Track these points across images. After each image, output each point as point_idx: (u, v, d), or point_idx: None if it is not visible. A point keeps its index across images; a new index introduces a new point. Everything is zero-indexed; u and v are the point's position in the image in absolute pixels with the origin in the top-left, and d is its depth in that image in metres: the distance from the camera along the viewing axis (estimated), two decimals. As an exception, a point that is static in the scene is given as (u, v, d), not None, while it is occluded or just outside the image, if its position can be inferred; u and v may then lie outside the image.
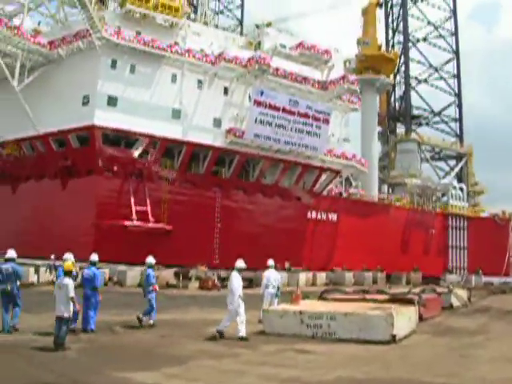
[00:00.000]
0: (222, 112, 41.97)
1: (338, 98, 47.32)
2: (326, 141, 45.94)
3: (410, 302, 16.66)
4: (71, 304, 11.94)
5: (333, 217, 49.97)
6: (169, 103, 39.67)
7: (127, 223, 37.10)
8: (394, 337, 13.31)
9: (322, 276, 44.04)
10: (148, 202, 38.60)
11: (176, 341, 13.59)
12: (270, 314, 14.83)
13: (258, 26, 53.70)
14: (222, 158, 43.17)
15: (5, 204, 44.37)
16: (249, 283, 32.47)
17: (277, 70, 43.01)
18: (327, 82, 45.97)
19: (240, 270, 13.76)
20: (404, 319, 14.58)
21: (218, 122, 41.74)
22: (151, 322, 15.49)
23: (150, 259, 15.96)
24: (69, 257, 13.57)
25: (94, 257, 15.32)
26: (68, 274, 12.52)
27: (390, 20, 78.15)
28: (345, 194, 53.03)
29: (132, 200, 38.04)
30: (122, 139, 38.96)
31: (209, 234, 41.43)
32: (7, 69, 37.87)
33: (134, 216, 37.59)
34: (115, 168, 38.16)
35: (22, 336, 13.25)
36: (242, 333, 13.30)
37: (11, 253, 14.55)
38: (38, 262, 31.49)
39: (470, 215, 64.01)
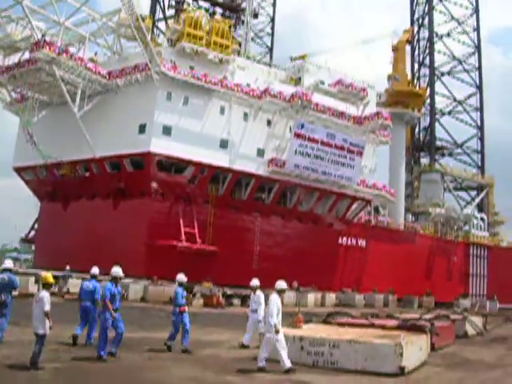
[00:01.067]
0: (265, 142, 44.99)
1: (372, 132, 50.16)
2: (359, 172, 48.82)
3: (421, 329, 15.29)
4: (46, 319, 11.08)
5: (362, 243, 52.68)
6: (217, 133, 42.69)
7: (177, 244, 39.94)
8: (402, 369, 12.24)
9: (331, 297, 43.98)
10: (196, 224, 41.53)
11: (164, 364, 12.43)
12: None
13: (292, 59, 57.13)
14: (262, 185, 46.09)
15: (56, 221, 47.59)
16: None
17: (316, 105, 45.98)
18: (362, 117, 48.91)
19: (280, 292, 12.65)
20: (414, 349, 13.47)
21: (261, 152, 44.74)
22: (184, 346, 14.37)
23: (181, 277, 14.82)
24: (117, 270, 12.96)
25: (95, 270, 15.09)
26: (46, 286, 11.72)
27: (416, 53, 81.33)
28: (373, 222, 55.70)
29: (181, 222, 40.97)
30: (173, 165, 41.97)
31: (248, 255, 44.22)
32: (68, 95, 41.25)
33: (183, 237, 40.47)
34: (166, 192, 41.27)
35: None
36: (288, 363, 12.06)
37: (9, 263, 14.57)
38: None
39: (490, 244, 66.58)
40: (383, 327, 15.65)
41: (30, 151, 46.10)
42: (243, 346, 15.29)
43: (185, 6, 57.69)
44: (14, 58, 45.59)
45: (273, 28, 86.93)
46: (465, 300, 52.68)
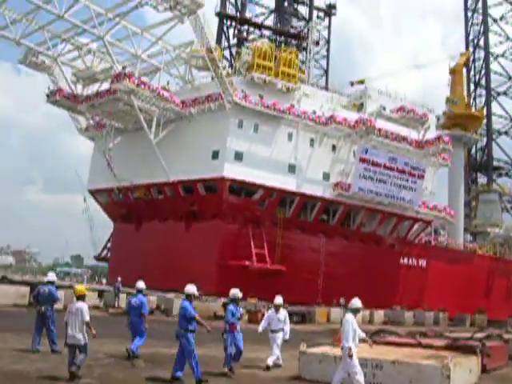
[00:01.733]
0: (330, 167, 46.82)
1: (432, 155, 51.45)
2: (420, 194, 50.12)
3: (471, 350, 14.40)
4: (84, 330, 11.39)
5: (422, 263, 53.81)
6: (285, 158, 44.73)
7: (249, 264, 42.01)
8: None
9: (379, 314, 43.31)
10: (265, 245, 43.54)
11: (188, 382, 11.82)
12: (307, 356, 13.08)
13: (352, 84, 58.99)
14: (327, 207, 47.85)
15: (129, 241, 50.29)
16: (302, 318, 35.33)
17: (379, 130, 47.62)
18: (423, 141, 50.28)
19: (355, 312, 11.43)
20: (463, 371, 12.68)
21: (326, 176, 46.57)
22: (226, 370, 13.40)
23: (234, 291, 13.84)
24: (192, 287, 12.47)
25: (141, 284, 15.16)
26: (81, 298, 11.92)
27: (471, 73, 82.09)
28: (433, 242, 56.74)
29: (252, 244, 43.04)
30: (243, 189, 44.12)
31: (314, 274, 45.94)
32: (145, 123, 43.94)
33: (254, 258, 42.53)
34: (237, 214, 43.45)
35: (38, 363, 12.91)
36: None
37: (51, 276, 15.21)
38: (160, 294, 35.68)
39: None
40: (431, 347, 14.74)
41: (105, 175, 49.13)
42: (268, 368, 14.28)
43: (250, 35, 60.23)
44: (92, 88, 48.98)
45: (328, 50, 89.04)
46: None
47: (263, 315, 33.90)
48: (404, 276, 51.66)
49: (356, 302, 11.53)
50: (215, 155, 43.14)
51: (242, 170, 42.62)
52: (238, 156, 42.88)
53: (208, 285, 37.95)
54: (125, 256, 49.54)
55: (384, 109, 50.05)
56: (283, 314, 14.97)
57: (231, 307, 13.62)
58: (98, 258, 58.54)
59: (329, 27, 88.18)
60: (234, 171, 42.39)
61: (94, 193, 54.77)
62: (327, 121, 46.03)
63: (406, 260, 52.76)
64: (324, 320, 38.09)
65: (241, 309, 13.88)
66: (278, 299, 14.58)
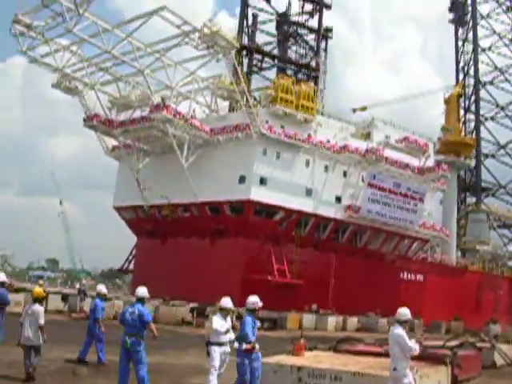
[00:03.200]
0: (341, 191, 51.89)
1: (432, 181, 56.89)
2: (420, 216, 55.52)
3: (441, 360, 13.36)
4: (39, 332, 11.48)
5: (420, 277, 59.12)
6: (303, 183, 49.59)
7: (271, 278, 46.78)
8: None
9: (353, 321, 43.04)
10: (285, 261, 48.39)
11: None
12: (263, 366, 11.32)
13: (354, 111, 64.34)
14: (337, 227, 52.90)
15: (155, 255, 54.64)
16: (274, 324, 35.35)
17: (386, 158, 52.85)
18: (424, 168, 55.71)
19: (403, 323, 9.50)
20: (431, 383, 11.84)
21: (338, 199, 51.62)
22: None
23: (254, 299, 11.19)
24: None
25: (101, 288, 15.41)
26: (38, 300, 11.97)
27: (462, 99, 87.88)
28: (430, 259, 62.12)
29: (273, 259, 47.87)
30: (265, 210, 48.89)
31: (325, 287, 50.76)
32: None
33: (276, 273, 47.36)
34: (260, 233, 48.18)
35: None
36: None
37: (1, 276, 15.26)
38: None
39: (533, 279, 72.48)
40: None
41: (131, 193, 53.63)
42: None
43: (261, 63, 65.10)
44: (125, 114, 53.40)
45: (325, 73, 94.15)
46: (495, 325, 48.35)
47: (232, 322, 33.83)
48: (404, 289, 56.76)
49: (405, 312, 9.62)
50: (242, 179, 47.81)
51: (266, 193, 47.37)
52: (263, 181, 47.65)
53: (233, 297, 42.65)
54: (150, 268, 53.85)
55: (388, 137, 55.35)
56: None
57: (249, 319, 10.81)
58: (121, 270, 62.81)
59: (325, 50, 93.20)
60: (259, 194, 47.12)
61: (119, 209, 59.08)
62: (341, 149, 51.09)
63: (405, 275, 57.97)
64: (296, 326, 37.59)
65: (258, 322, 11.02)
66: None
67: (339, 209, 51.55)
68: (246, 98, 46.88)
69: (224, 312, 11.45)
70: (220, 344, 11.10)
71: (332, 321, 41.12)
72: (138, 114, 51.93)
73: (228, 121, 50.23)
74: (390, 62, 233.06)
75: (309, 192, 49.90)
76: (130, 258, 61.59)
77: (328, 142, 51.34)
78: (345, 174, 52.51)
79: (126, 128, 50.69)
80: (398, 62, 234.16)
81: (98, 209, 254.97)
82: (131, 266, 61.35)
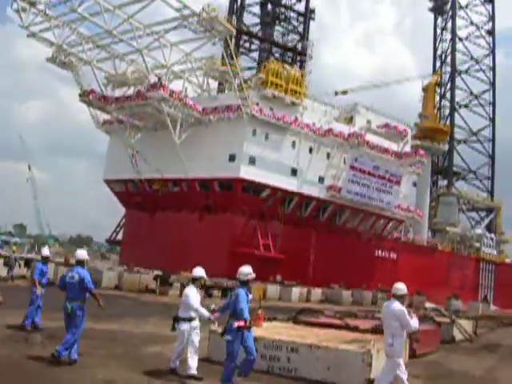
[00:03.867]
0: (324, 171, 54.91)
1: (408, 165, 60.31)
2: (396, 198, 58.96)
3: None
4: None
5: (393, 255, 62.82)
6: (289, 163, 52.43)
7: (257, 252, 49.75)
8: (370, 382, 9.96)
9: (317, 292, 43.49)
10: (270, 236, 51.38)
11: (92, 363, 10.71)
12: (217, 336, 10.69)
13: (336, 93, 67.22)
14: (319, 206, 56.03)
15: (144, 228, 57.07)
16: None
17: (367, 143, 55.98)
18: (402, 152, 59.05)
19: (400, 298, 9.06)
20: None
21: (321, 179, 54.65)
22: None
23: (247, 270, 9.88)
24: (83, 252, 11.16)
25: (43, 250, 15.26)
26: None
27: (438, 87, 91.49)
28: (403, 238, 65.83)
29: (259, 234, 50.82)
30: (252, 187, 51.64)
31: (306, 261, 53.93)
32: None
33: (261, 247, 50.35)
34: (247, 209, 50.99)
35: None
36: None
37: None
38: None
39: (497, 261, 76.99)
40: (356, 329, 13.87)
41: (121, 166, 55.87)
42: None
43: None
44: (119, 91, 55.36)
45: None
46: (457, 301, 50.52)
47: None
48: (378, 266, 60.39)
49: (402, 287, 9.17)
50: (232, 158, 50.42)
51: (254, 171, 50.05)
52: (252, 160, 50.32)
53: (219, 269, 45.39)
54: (138, 240, 56.32)
55: (369, 122, 58.47)
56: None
57: (242, 292, 9.59)
58: (110, 240, 65.19)
59: (308, 31, 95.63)
60: (247, 172, 49.80)
61: (110, 182, 61.28)
62: (325, 133, 54.00)
63: (379, 252, 61.57)
64: (259, 296, 36.22)
65: (251, 295, 9.87)
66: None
67: (322, 188, 54.62)
68: (239, 81, 49.25)
69: (197, 283, 10.69)
70: (190, 319, 10.29)
71: (296, 292, 41.24)
72: (132, 90, 53.92)
73: (219, 101, 52.60)
74: (365, 39, 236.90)
75: (294, 172, 52.78)
76: (118, 229, 63.93)
77: (314, 124, 54.15)
78: (328, 155, 55.46)
79: (121, 104, 52.63)
80: (373, 40, 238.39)
81: (69, 174, 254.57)
82: (119, 237, 63.65)
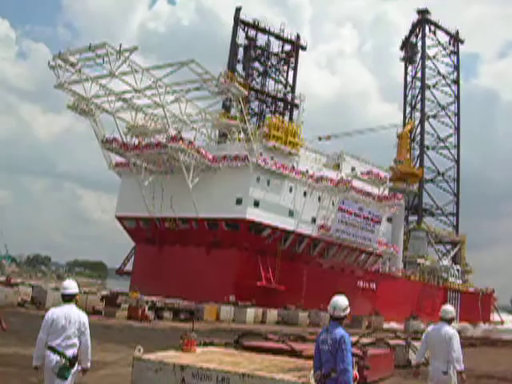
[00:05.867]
0: (316, 212, 62.89)
1: (387, 207, 68.86)
2: (377, 235, 67.31)
3: None
4: None
5: (373, 285, 70.96)
6: (287, 205, 60.25)
7: (260, 283, 57.12)
8: None
9: (273, 313, 42.32)
10: (270, 269, 58.86)
11: None
12: (142, 363, 9.72)
13: (320, 139, 75.63)
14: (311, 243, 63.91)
15: (153, 260, 63.81)
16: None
17: (353, 188, 64.28)
18: (382, 196, 67.56)
19: (450, 321, 9.22)
20: None
21: (314, 220, 62.58)
22: None
23: (340, 301, 7.89)
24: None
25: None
26: None
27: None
28: (381, 270, 74.14)
29: (261, 268, 58.26)
30: (253, 227, 59.08)
31: (299, 289, 61.33)
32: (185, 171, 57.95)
33: (264, 279, 57.78)
34: (250, 246, 58.36)
35: None
36: None
37: None
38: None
39: (462, 289, 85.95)
40: (299, 355, 12.69)
41: (133, 205, 62.84)
42: None
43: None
44: (136, 139, 62.44)
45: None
46: (416, 321, 52.36)
47: (144, 311, 31.42)
48: (360, 295, 68.24)
49: (451, 309, 9.45)
50: (239, 201, 57.84)
51: (258, 213, 57.61)
52: (256, 203, 57.80)
53: (226, 297, 52.54)
54: (148, 272, 62.90)
55: (354, 169, 66.87)
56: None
57: (348, 337, 7.24)
58: (119, 271, 71.69)
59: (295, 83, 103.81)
60: (252, 214, 57.30)
61: (121, 219, 68.03)
62: (317, 179, 62.09)
63: (361, 283, 69.61)
64: (213, 318, 37.66)
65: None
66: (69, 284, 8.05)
67: (314, 227, 62.51)
68: (247, 134, 57.12)
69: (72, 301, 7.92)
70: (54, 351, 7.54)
71: (251, 313, 40.57)
72: (149, 139, 61.06)
73: (227, 150, 60.23)
74: (327, 61, 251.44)
75: (291, 213, 60.57)
76: (126, 261, 70.56)
77: (307, 171, 62.19)
78: (319, 198, 63.47)
79: (141, 152, 59.75)
80: (335, 62, 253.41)
81: (26, 193, 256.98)
82: (128, 268, 70.24)
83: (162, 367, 9.38)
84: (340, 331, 7.11)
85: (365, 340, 17.10)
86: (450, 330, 8.87)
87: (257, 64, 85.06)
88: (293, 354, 12.21)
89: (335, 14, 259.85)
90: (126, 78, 54.57)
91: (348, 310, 7.57)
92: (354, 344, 13.53)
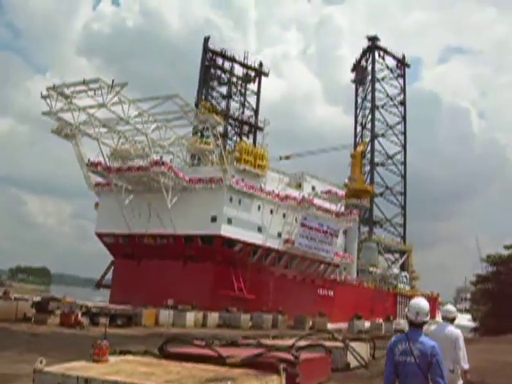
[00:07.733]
0: (282, 228, 69.94)
1: (344, 222, 76.59)
2: (334, 247, 74.90)
3: (273, 368, 10.12)
4: None
5: (331, 293, 78.47)
6: (256, 222, 67.00)
7: (234, 293, 63.63)
8: None
9: (213, 316, 41.61)
10: (242, 280, 65.45)
11: None
12: (44, 376, 8.36)
13: (281, 158, 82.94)
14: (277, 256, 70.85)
15: (131, 273, 69.40)
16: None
17: (314, 205, 71.65)
18: (340, 212, 75.23)
19: (452, 321, 8.75)
20: None
21: (279, 234, 69.59)
22: None
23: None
24: None
25: None
26: None
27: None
28: (338, 279, 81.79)
29: (234, 279, 64.80)
30: (226, 242, 65.57)
31: (267, 298, 68.12)
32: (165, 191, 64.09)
33: (236, 289, 64.33)
34: (223, 260, 64.82)
35: None
36: None
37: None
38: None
39: (410, 294, 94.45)
40: (224, 363, 10.82)
41: (112, 222, 68.53)
42: None
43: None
44: (117, 163, 68.13)
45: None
46: (359, 321, 53.46)
47: (77, 317, 30.25)
48: (319, 302, 75.57)
49: (452, 309, 8.99)
50: (214, 219, 64.25)
51: (231, 229, 64.22)
52: (229, 220, 64.34)
53: (203, 305, 58.57)
54: (127, 284, 68.36)
55: (314, 188, 74.30)
56: None
57: (438, 347, 6.24)
58: (99, 284, 76.92)
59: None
60: (226, 231, 63.87)
61: (101, 235, 73.45)
62: (282, 198, 69.20)
63: (321, 291, 77.04)
64: (152, 322, 36.63)
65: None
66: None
67: (280, 242, 69.53)
68: (222, 159, 63.77)
69: None
70: None
71: (191, 316, 39.59)
72: (131, 163, 66.91)
73: (201, 173, 66.63)
74: (273, 64, 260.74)
75: (259, 229, 67.40)
76: (104, 275, 75.85)
77: (273, 191, 69.19)
78: (284, 215, 70.55)
79: (123, 174, 65.50)
80: (281, 65, 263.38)
81: None
82: (105, 281, 75.65)
83: (64, 380, 8.16)
84: (429, 341, 6.18)
85: (301, 343, 15.43)
86: (455, 330, 8.61)
87: (222, 88, 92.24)
88: (216, 361, 10.92)
89: (280, 16, 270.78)
90: (113, 108, 60.43)
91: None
92: (288, 348, 13.16)
